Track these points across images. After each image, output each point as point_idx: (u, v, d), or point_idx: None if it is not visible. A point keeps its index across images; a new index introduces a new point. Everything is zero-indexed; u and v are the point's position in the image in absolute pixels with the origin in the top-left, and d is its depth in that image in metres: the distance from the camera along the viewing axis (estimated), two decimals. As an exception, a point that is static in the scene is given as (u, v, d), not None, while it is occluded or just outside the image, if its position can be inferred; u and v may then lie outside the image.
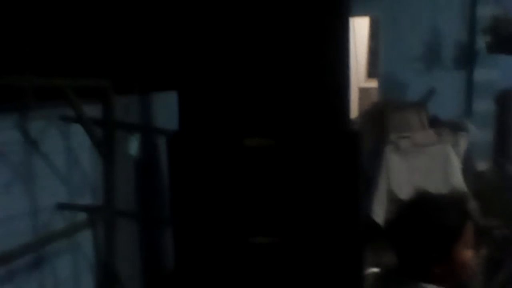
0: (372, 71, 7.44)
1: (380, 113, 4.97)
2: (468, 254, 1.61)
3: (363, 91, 7.43)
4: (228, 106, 2.68)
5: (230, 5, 2.63)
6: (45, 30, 2.58)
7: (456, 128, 4.96)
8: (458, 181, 4.56)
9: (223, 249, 2.74)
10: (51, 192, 2.57)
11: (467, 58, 6.10)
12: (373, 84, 6.99)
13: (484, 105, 5.92)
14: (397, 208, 1.75)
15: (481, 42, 5.68)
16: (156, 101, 3.55)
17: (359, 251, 2.72)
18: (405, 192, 4.49)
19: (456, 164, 4.63)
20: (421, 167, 4.60)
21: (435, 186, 4.47)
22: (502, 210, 4.12)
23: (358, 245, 2.70)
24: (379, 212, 4.54)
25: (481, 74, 6.02)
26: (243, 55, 2.64)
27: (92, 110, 2.67)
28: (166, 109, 3.21)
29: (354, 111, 5.94)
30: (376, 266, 3.99)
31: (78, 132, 2.62)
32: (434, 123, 5.03)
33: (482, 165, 5.44)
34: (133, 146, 2.95)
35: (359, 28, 7.08)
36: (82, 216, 2.70)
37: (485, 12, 5.75)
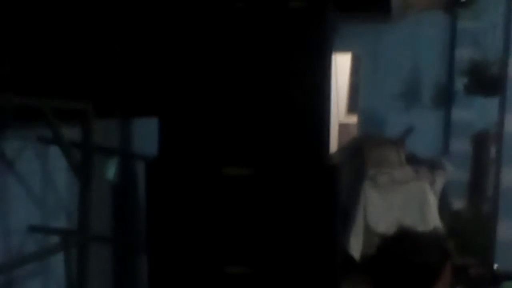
0: (352, 106, 7.53)
1: (359, 149, 5.02)
2: None
3: (342, 127, 7.51)
4: (209, 134, 2.68)
5: (212, 36, 2.65)
6: (27, 49, 2.57)
7: (433, 166, 5.02)
8: (434, 218, 4.60)
9: (198, 278, 2.70)
10: (24, 214, 2.53)
11: (445, 98, 6.22)
12: (353, 120, 7.07)
13: (461, 145, 6.02)
14: (379, 243, 1.76)
15: (459, 83, 5.81)
16: (136, 126, 3.54)
17: (334, 284, 2.70)
18: (382, 227, 4.51)
19: (432, 202, 4.67)
20: (398, 203, 4.63)
21: (412, 222, 4.50)
22: (476, 249, 4.15)
23: (333, 278, 2.69)
24: (356, 247, 4.55)
25: (458, 114, 6.13)
26: (225, 85, 2.65)
27: (71, 132, 2.65)
28: (146, 134, 3.20)
29: (333, 145, 5.99)
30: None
31: (55, 154, 2.60)
32: (412, 160, 5.09)
33: (458, 204, 5.49)
34: (111, 170, 2.92)
35: (341, 64, 7.18)
36: (55, 239, 2.65)
37: (464, 54, 5.90)
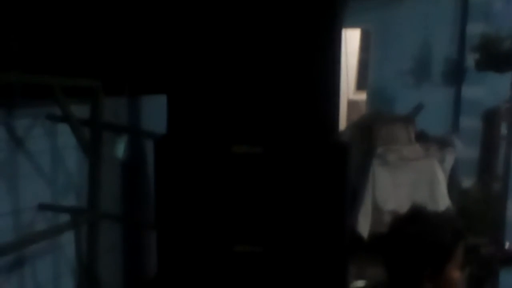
0: (361, 83, 7.47)
1: (368, 126, 4.98)
2: (457, 273, 1.63)
3: (352, 104, 7.46)
4: (217, 112, 2.67)
5: (223, 11, 2.62)
6: (36, 27, 2.55)
7: (443, 143, 4.98)
8: (443, 196, 4.58)
9: (207, 256, 2.72)
10: (34, 192, 2.54)
11: (456, 75, 6.15)
12: (362, 96, 7.02)
13: (471, 122, 5.96)
14: (391, 222, 1.75)
15: (470, 59, 5.73)
16: (145, 104, 3.53)
17: (343, 263, 2.71)
18: (390, 206, 4.50)
19: (442, 180, 4.65)
20: (407, 181, 4.61)
21: (421, 200, 4.49)
22: (487, 228, 4.14)
23: (342, 257, 2.69)
24: (364, 225, 4.54)
25: (469, 91, 6.07)
26: (235, 62, 2.63)
27: (80, 110, 2.65)
28: (154, 112, 3.18)
29: (342, 122, 5.96)
30: (359, 278, 3.98)
31: (64, 132, 2.59)
32: (421, 138, 5.05)
33: (467, 182, 5.47)
34: (120, 148, 2.92)
35: (351, 40, 7.11)
36: (65, 218, 2.67)
37: (475, 30, 5.81)
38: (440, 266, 1.59)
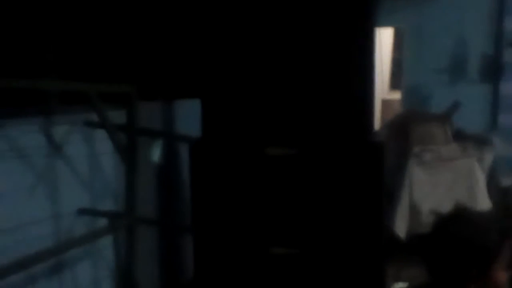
0: (395, 82, 7.38)
1: (404, 125, 4.91)
2: (504, 274, 1.58)
3: (386, 103, 7.37)
4: (251, 115, 2.67)
5: (256, 14, 2.62)
6: (72, 34, 2.59)
7: (481, 142, 4.88)
8: (483, 196, 4.48)
9: (243, 259, 2.72)
10: (73, 197, 2.57)
11: (493, 71, 6.02)
12: (397, 96, 6.93)
13: (510, 119, 5.83)
14: (434, 222, 1.72)
15: (508, 55, 5.61)
16: (179, 108, 3.55)
17: (380, 264, 2.67)
18: (428, 206, 4.43)
19: (481, 179, 4.56)
20: (445, 181, 4.53)
21: (460, 200, 4.41)
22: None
23: (379, 258, 2.66)
24: (401, 226, 4.48)
25: (507, 88, 5.93)
26: (268, 64, 2.63)
27: (116, 116, 2.68)
28: (189, 116, 3.20)
29: (377, 122, 5.89)
30: (397, 280, 3.93)
31: (101, 138, 2.63)
32: (459, 136, 4.96)
33: (507, 181, 5.34)
34: (156, 152, 2.94)
35: (384, 39, 7.04)
36: (103, 222, 2.70)
37: (512, 25, 5.69)
38: (485, 268, 1.55)
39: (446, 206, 4.51)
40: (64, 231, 2.51)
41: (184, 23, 3.40)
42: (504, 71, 5.88)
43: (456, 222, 1.62)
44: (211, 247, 2.75)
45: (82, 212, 2.61)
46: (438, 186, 4.53)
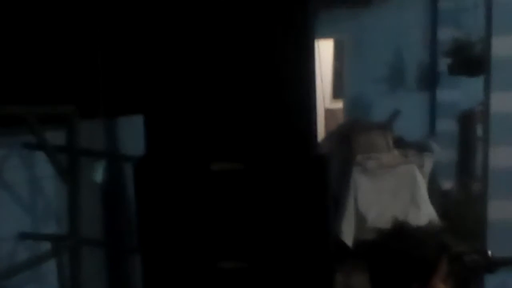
0: (337, 92, 7.53)
1: (347, 135, 5.02)
2: (443, 285, 1.64)
3: (329, 112, 7.50)
4: (195, 130, 2.66)
5: (196, 29, 2.62)
6: (7, 55, 2.52)
7: (421, 148, 5.04)
8: (424, 201, 4.62)
9: (192, 276, 2.70)
10: (14, 221, 2.49)
11: (429, 80, 6.23)
12: (339, 105, 7.07)
13: (447, 125, 6.04)
14: (375, 237, 1.77)
15: (443, 64, 5.81)
16: (121, 126, 3.50)
17: (329, 273, 2.71)
18: (373, 213, 4.53)
19: (422, 184, 4.70)
20: (388, 188, 4.65)
21: (402, 206, 4.53)
22: (467, 229, 4.18)
23: (328, 267, 2.69)
24: (348, 233, 4.56)
25: (443, 95, 6.15)
26: (209, 79, 2.63)
27: (56, 136, 2.61)
28: (131, 133, 3.16)
29: (320, 132, 5.99)
30: (345, 287, 3.99)
31: (41, 160, 2.56)
32: (400, 144, 5.11)
33: (447, 184, 5.52)
34: (99, 172, 2.89)
35: (324, 50, 7.17)
36: (46, 246, 2.62)
37: (446, 35, 5.90)
38: (425, 280, 1.60)
39: (390, 212, 4.64)
40: (6, 257, 2.43)
41: (124, 38, 3.36)
42: (440, 79, 6.10)
43: (396, 237, 1.67)
44: (159, 266, 2.71)
45: (24, 236, 2.53)
46: (382, 193, 4.65)
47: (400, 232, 1.69)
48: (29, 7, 2.66)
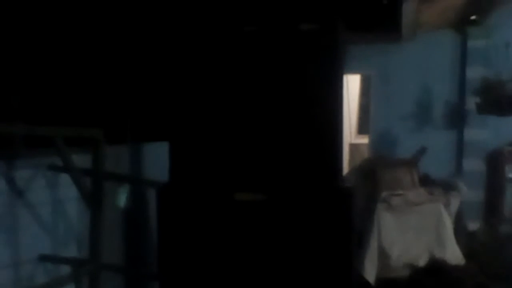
0: (363, 127, 7.49)
1: (372, 170, 4.95)
2: None
3: (353, 147, 7.46)
4: (220, 159, 2.65)
5: (224, 60, 2.64)
6: (37, 78, 2.56)
7: (447, 187, 4.94)
8: (450, 240, 4.51)
9: (210, 307, 2.65)
10: (34, 244, 2.49)
11: (457, 118, 6.17)
12: (364, 140, 7.02)
13: (474, 165, 5.94)
14: (410, 274, 1.71)
15: (471, 102, 5.76)
16: (147, 152, 3.51)
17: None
18: (396, 251, 4.43)
19: (448, 224, 4.59)
20: (413, 226, 4.54)
21: (427, 245, 4.42)
22: (494, 271, 4.06)
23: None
24: (370, 270, 4.45)
25: (471, 134, 6.07)
26: (237, 109, 2.63)
27: (82, 160, 2.63)
28: (157, 160, 3.17)
29: (344, 167, 5.93)
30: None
31: (66, 182, 2.57)
32: (426, 181, 5.02)
33: (474, 225, 5.40)
34: (122, 197, 2.89)
35: (351, 85, 7.17)
36: (66, 270, 2.61)
37: (475, 74, 5.86)
38: None
39: (414, 251, 4.52)
40: (25, 279, 2.42)
41: (151, 67, 3.40)
42: (468, 118, 6.03)
43: (432, 275, 1.62)
44: (178, 295, 2.67)
45: (44, 258, 2.52)
46: (406, 231, 4.55)
47: (436, 270, 1.63)
48: (59, 27, 2.71)
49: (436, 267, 1.65)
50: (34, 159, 2.47)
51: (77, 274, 2.59)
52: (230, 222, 2.62)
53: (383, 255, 4.49)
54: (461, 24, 6.00)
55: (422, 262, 3.99)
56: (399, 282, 1.72)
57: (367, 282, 4.44)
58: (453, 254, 4.41)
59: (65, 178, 2.55)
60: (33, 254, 2.49)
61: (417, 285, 1.62)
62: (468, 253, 4.57)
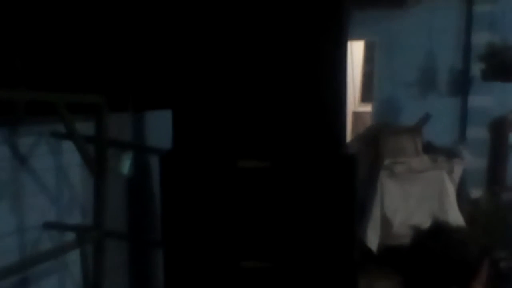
0: (366, 95, 7.46)
1: (375, 137, 4.94)
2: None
3: (357, 115, 7.44)
4: (223, 126, 2.64)
5: (228, 24, 2.60)
6: (39, 43, 2.54)
7: (451, 154, 4.94)
8: (452, 207, 4.52)
9: (214, 273, 2.67)
10: (39, 211, 2.50)
11: (461, 85, 6.13)
12: (367, 108, 7.00)
13: (478, 132, 5.93)
14: (413, 237, 1.72)
15: (476, 69, 5.71)
16: (150, 119, 3.50)
17: (352, 277, 2.66)
18: (399, 218, 4.45)
19: (451, 191, 4.60)
20: (415, 193, 4.56)
21: (430, 212, 4.44)
22: (495, 238, 4.08)
23: (351, 271, 2.64)
24: (373, 238, 4.48)
25: (475, 101, 6.04)
26: (240, 76, 2.61)
27: (85, 127, 2.62)
28: (160, 127, 3.16)
29: (348, 135, 5.93)
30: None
31: (69, 149, 2.57)
32: (429, 149, 5.01)
33: (476, 192, 5.41)
34: (126, 164, 2.89)
35: (355, 52, 7.11)
36: (70, 236, 2.63)
37: (480, 39, 5.80)
38: (465, 283, 1.55)
39: (417, 218, 4.54)
40: (30, 246, 2.44)
41: (155, 32, 3.36)
42: (472, 85, 5.99)
43: (436, 238, 1.62)
44: (181, 261, 2.70)
45: (48, 225, 2.54)
46: (409, 198, 4.56)
47: (440, 232, 1.64)
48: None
49: (439, 231, 1.65)
50: (37, 126, 2.46)
51: (82, 240, 2.60)
52: (233, 189, 2.62)
53: (385, 223, 4.51)
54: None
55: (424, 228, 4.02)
56: (401, 249, 1.72)
57: (370, 250, 4.47)
58: (456, 221, 4.43)
59: (68, 145, 2.55)
60: (37, 221, 2.50)
61: (420, 248, 1.63)
62: (470, 220, 4.59)
